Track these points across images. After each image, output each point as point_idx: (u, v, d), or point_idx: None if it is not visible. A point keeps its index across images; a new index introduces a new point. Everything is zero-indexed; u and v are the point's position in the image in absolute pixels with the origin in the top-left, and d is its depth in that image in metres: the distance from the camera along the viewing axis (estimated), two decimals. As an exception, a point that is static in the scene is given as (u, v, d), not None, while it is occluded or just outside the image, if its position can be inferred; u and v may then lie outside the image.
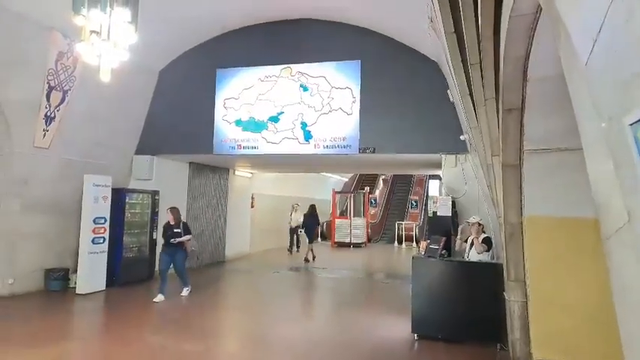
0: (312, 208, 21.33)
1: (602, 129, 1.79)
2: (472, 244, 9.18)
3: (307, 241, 20.49)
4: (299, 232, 22.38)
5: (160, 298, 11.13)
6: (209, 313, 10.64)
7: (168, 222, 11.76)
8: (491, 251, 9.07)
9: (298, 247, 22.92)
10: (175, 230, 11.56)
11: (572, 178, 6.02)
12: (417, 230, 27.30)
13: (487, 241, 9.04)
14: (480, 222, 9.30)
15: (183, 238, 11.58)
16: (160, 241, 13.06)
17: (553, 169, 6.46)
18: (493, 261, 8.91)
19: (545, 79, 5.17)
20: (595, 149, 2.00)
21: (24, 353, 7.40)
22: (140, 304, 10.87)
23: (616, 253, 1.83)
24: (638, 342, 1.75)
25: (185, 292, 11.91)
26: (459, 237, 10.02)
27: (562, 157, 6.29)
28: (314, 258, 19.52)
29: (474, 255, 9.07)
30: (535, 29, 4.36)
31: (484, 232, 9.29)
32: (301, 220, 21.47)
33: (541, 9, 3.76)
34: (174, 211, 11.82)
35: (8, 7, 9.39)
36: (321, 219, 28.89)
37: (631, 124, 1.54)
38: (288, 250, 22.56)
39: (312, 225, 20.75)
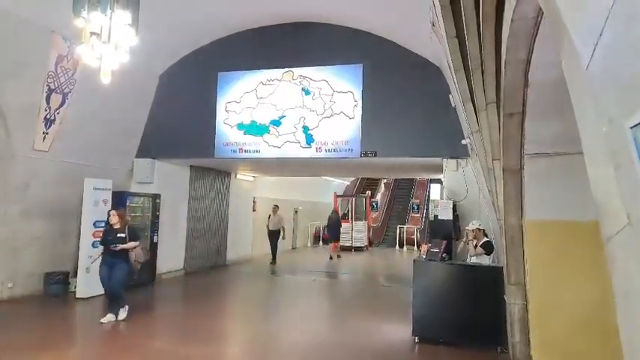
0: (336, 212, 24.86)
1: (602, 132, 1.79)
2: (475, 247, 9.21)
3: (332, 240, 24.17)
4: (280, 238, 20.14)
5: (109, 318, 9.60)
6: (211, 317, 10.61)
7: (111, 225, 10.03)
8: (492, 255, 9.07)
9: (275, 254, 20.05)
10: (119, 235, 9.84)
11: (573, 182, 6.02)
12: (418, 234, 27.30)
13: (488, 245, 9.05)
14: (480, 227, 9.32)
15: (128, 245, 9.79)
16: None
17: (554, 172, 6.46)
18: (494, 264, 8.92)
19: (546, 83, 5.17)
20: (595, 152, 2.00)
21: (23, 359, 7.39)
22: (142, 308, 10.82)
23: (616, 256, 1.82)
24: (639, 345, 1.74)
25: (122, 314, 9.81)
26: (462, 241, 10.04)
27: (563, 160, 6.29)
28: (339, 256, 22.67)
29: (475, 258, 9.09)
30: (536, 33, 4.37)
31: (486, 236, 9.30)
32: (281, 224, 20.11)
33: (542, 13, 3.76)
34: (120, 212, 10.29)
35: (8, 9, 9.39)
36: (323, 223, 29.02)
37: (631, 127, 1.53)
38: (272, 262, 19.60)
39: (336, 226, 24.02)
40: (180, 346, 8.30)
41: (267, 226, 20.07)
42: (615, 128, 1.66)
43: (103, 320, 9.50)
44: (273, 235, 20.01)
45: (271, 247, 20.06)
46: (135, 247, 9.98)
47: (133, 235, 10.09)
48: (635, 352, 1.76)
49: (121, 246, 9.71)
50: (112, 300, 9.91)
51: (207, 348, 8.25)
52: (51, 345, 8.03)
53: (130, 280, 10.49)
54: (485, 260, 9.04)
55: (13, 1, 9.37)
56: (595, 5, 1.79)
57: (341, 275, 17.44)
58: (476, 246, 9.21)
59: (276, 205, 20.42)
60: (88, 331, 9.78)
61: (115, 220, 9.99)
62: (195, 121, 13.94)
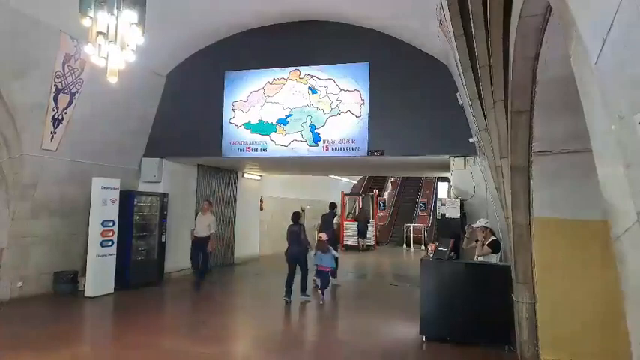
0: (363, 210, 27.20)
1: (612, 129, 1.77)
2: (482, 245, 9.18)
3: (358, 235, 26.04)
4: (207, 250, 13.61)
5: None
6: (220, 316, 10.63)
7: None
8: (499, 254, 9.04)
9: (205, 270, 13.84)
10: None
11: (581, 180, 5.99)
12: (425, 233, 27.24)
13: (495, 244, 9.01)
14: (486, 225, 9.28)
15: None
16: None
17: (562, 171, 6.43)
18: (501, 263, 8.89)
19: (555, 80, 5.14)
20: (605, 150, 1.98)
21: (32, 357, 7.41)
22: (150, 307, 10.86)
23: (625, 254, 1.81)
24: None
25: None
26: (466, 236, 10.04)
27: (571, 159, 6.26)
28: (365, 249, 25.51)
29: (482, 257, 9.06)
30: (544, 30, 4.34)
31: (493, 235, 9.26)
32: (212, 228, 13.70)
33: (550, 9, 3.74)
34: None
35: (15, 9, 9.41)
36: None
37: (641, 123, 1.52)
38: (196, 286, 13.40)
39: (364, 222, 26.16)
40: (189, 343, 8.31)
41: (194, 231, 13.89)
42: (625, 125, 1.64)
43: None
44: (200, 244, 13.59)
45: (201, 261, 13.69)
46: None
47: None
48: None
49: None
50: None
51: (216, 346, 8.27)
52: (61, 343, 8.06)
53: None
54: (493, 259, 9.01)
55: (21, 0, 9.39)
56: (604, 0, 1.77)
57: (349, 274, 17.40)
58: (483, 244, 9.18)
59: (209, 201, 14.71)
60: (97, 329, 9.83)
61: None
62: (203, 121, 13.96)
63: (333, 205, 16.21)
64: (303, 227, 12.62)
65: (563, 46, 2.50)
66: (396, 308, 11.72)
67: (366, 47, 12.70)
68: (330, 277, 13.10)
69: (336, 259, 13.57)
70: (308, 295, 12.17)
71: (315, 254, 12.51)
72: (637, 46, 1.56)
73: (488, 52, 5.96)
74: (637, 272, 1.72)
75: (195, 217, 14.53)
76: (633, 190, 1.64)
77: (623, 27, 1.62)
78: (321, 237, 12.57)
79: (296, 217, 12.96)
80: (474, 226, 9.63)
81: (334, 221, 15.18)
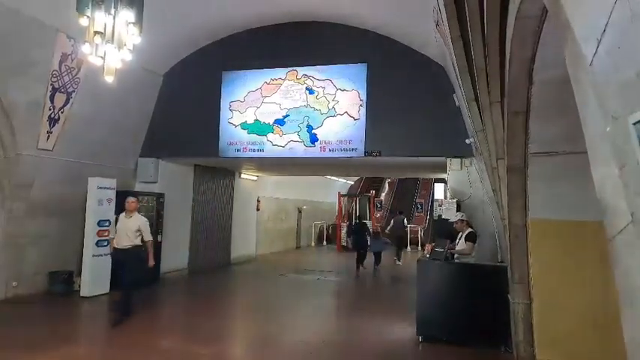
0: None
1: (606, 129, 1.78)
2: (460, 237, 9.28)
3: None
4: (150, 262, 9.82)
5: None
6: (216, 316, 10.60)
7: None
8: (476, 244, 9.04)
9: (128, 291, 9.85)
10: None
11: (577, 181, 6.00)
12: (422, 233, 27.21)
13: (471, 236, 9.05)
14: (462, 218, 9.36)
15: None
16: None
17: (558, 172, 6.44)
18: (498, 263, 8.92)
19: (551, 81, 5.15)
20: (599, 150, 1.98)
21: (27, 357, 7.38)
22: (145, 307, 10.82)
23: (620, 254, 1.81)
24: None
25: None
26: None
27: (567, 160, 6.28)
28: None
29: (460, 246, 9.10)
30: (540, 31, 4.35)
31: (470, 227, 9.32)
32: (144, 233, 9.64)
33: (546, 11, 3.75)
34: None
35: (12, 8, 9.38)
36: (327, 222, 28.93)
37: (635, 124, 1.53)
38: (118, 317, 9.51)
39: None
40: (185, 344, 8.31)
41: (113, 240, 9.90)
42: (619, 126, 1.65)
43: None
44: (126, 259, 9.62)
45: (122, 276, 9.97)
46: None
47: None
48: (639, 351, 1.74)
49: None
50: None
51: (212, 346, 8.25)
52: (56, 343, 8.03)
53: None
54: (470, 250, 9.00)
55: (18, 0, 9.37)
56: (598, 1, 1.78)
57: (345, 274, 17.42)
58: (460, 237, 9.24)
59: (135, 197, 10.52)
60: (93, 329, 9.80)
61: None
62: (200, 121, 13.95)
63: (400, 211, 23.35)
64: (367, 226, 20.12)
65: (559, 47, 2.51)
66: (393, 308, 11.72)
67: (364, 48, 12.72)
68: (395, 259, 20.44)
69: (399, 249, 21.15)
70: (365, 267, 18.21)
71: (370, 239, 18.78)
72: (631, 48, 1.57)
73: (485, 54, 5.97)
74: (631, 272, 1.73)
75: (116, 221, 10.11)
76: (627, 190, 1.65)
77: (617, 29, 1.63)
78: (376, 228, 20.35)
79: (358, 219, 21.12)
80: (452, 220, 9.71)
81: (404, 225, 22.52)
